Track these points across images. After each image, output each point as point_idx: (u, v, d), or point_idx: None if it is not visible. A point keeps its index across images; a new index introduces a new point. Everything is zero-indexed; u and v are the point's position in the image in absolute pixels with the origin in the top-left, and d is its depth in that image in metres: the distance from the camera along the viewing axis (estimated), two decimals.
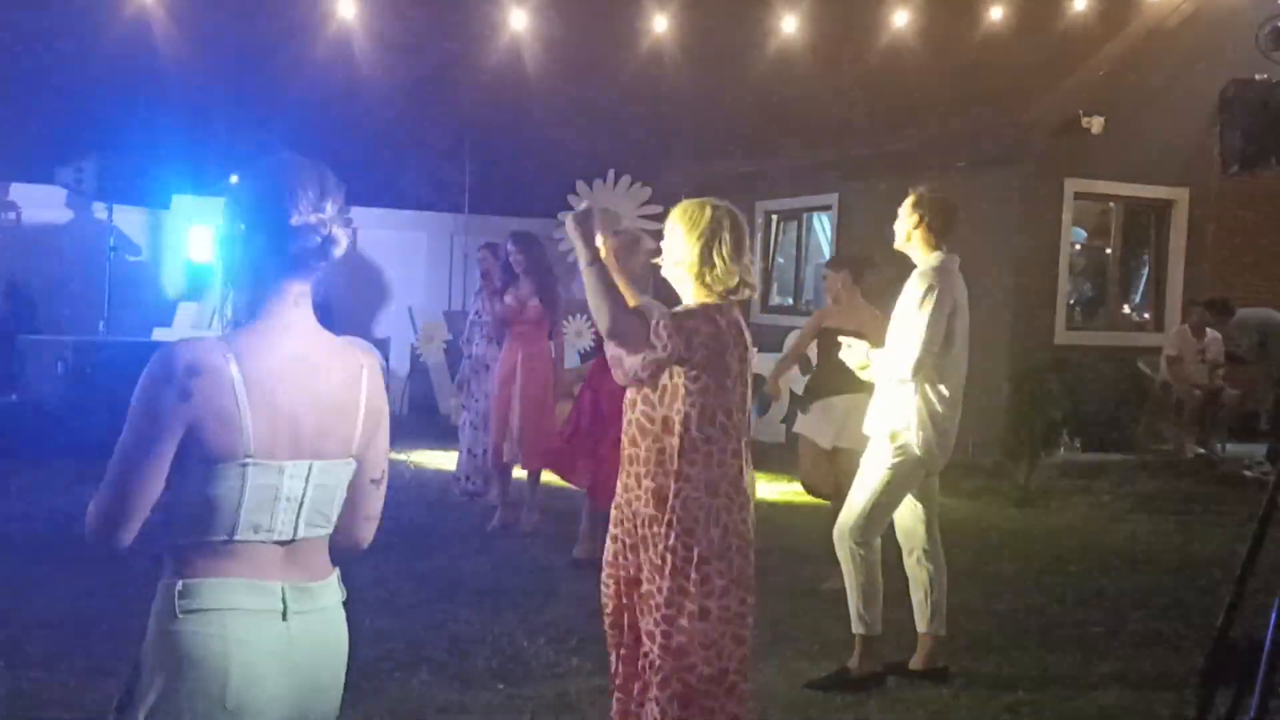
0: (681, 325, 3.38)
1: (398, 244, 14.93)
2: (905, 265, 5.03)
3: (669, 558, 3.35)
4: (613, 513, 3.61)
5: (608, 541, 3.62)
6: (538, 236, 7.90)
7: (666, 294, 3.73)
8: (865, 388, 5.24)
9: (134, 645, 2.13)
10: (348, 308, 12.72)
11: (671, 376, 3.41)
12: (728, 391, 3.41)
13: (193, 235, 11.95)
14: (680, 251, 3.45)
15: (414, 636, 5.32)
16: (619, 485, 3.58)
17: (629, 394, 3.54)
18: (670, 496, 3.38)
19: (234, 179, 1.98)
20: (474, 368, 8.48)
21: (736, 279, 3.42)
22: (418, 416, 13.25)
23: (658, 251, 3.60)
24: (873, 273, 6.68)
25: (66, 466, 8.92)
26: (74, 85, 13.26)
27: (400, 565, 6.54)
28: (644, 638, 3.41)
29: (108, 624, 5.27)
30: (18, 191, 12.93)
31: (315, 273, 2.16)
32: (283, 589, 2.08)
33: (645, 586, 3.43)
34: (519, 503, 7.82)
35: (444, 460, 9.82)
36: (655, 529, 3.40)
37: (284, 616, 2.08)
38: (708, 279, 3.42)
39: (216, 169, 12.09)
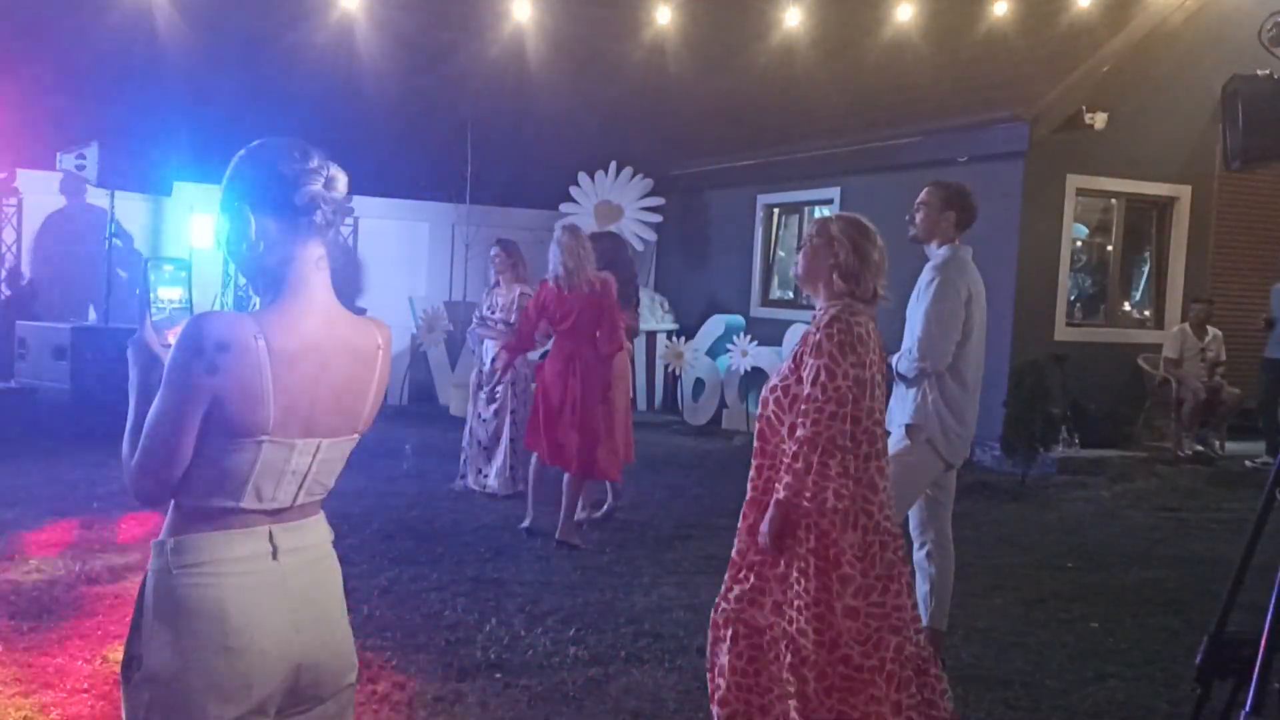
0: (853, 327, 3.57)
1: (399, 233, 14.91)
2: (914, 256, 4.99)
3: (811, 560, 3.47)
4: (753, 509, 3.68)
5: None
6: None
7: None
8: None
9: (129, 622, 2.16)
10: (348, 297, 12.71)
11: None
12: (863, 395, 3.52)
13: (194, 222, 11.93)
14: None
15: (411, 625, 5.34)
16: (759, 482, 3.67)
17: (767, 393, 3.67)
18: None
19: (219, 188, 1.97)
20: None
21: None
22: (417, 406, 13.25)
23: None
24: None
25: (64, 452, 8.96)
26: (77, 72, 13.25)
27: (398, 554, 6.56)
28: (794, 634, 3.48)
29: (104, 611, 5.30)
30: (20, 177, 12.92)
31: (328, 233, 2.17)
32: (270, 531, 2.13)
33: (794, 587, 3.51)
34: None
35: (443, 450, 9.82)
36: (797, 532, 3.51)
37: (274, 556, 2.13)
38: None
39: (219, 157, 12.03)
